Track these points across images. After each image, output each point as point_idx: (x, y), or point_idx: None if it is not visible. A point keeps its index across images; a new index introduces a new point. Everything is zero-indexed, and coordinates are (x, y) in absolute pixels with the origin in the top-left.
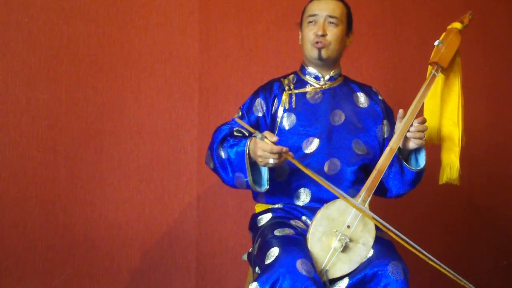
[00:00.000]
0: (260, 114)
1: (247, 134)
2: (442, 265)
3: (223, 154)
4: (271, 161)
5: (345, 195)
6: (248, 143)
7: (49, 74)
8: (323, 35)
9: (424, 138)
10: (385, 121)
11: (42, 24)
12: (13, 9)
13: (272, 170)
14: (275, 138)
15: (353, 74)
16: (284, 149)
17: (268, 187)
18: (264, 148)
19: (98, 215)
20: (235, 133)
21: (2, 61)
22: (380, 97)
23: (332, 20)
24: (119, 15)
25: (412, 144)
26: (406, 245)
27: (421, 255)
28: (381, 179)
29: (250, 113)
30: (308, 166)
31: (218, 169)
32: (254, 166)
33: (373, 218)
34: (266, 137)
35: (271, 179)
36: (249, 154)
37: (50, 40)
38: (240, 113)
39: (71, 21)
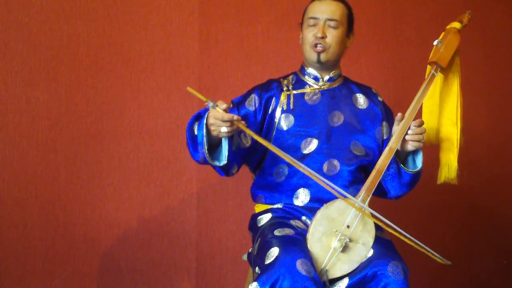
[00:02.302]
0: (251, 109)
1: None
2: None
3: (195, 130)
4: (224, 129)
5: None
6: (207, 115)
7: (49, 74)
8: (323, 37)
9: (422, 141)
10: (384, 123)
11: (42, 24)
12: (13, 9)
13: (271, 170)
14: (225, 106)
15: (353, 74)
16: (235, 117)
17: (226, 162)
18: (215, 116)
19: (98, 215)
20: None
21: (2, 61)
22: (379, 99)
23: (331, 23)
24: (119, 15)
25: (410, 147)
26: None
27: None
28: (380, 180)
29: (241, 107)
30: (307, 166)
31: (189, 144)
32: (220, 143)
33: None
34: (217, 106)
35: (270, 179)
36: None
37: (50, 40)
38: (231, 105)
39: (71, 21)
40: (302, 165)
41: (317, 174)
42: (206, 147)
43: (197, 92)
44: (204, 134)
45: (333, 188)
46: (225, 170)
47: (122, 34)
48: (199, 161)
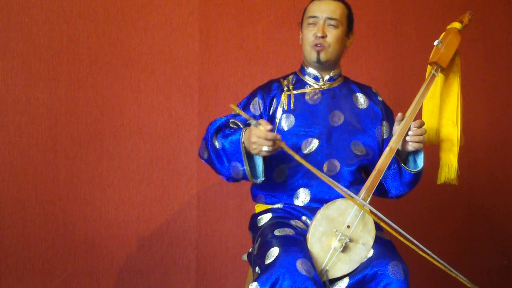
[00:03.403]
0: (256, 113)
1: (242, 126)
2: (444, 263)
3: (217, 144)
4: (265, 148)
5: (343, 188)
6: (243, 132)
7: (49, 74)
8: (323, 37)
9: (423, 141)
10: (384, 122)
11: (42, 24)
12: (13, 9)
13: (271, 170)
14: (269, 126)
15: (353, 74)
16: (278, 136)
17: (263, 178)
18: (258, 134)
19: (98, 215)
20: (230, 125)
21: (2, 61)
22: (379, 98)
23: (331, 22)
24: (119, 15)
25: (410, 147)
26: (407, 242)
27: (421, 253)
28: (381, 179)
29: (247, 111)
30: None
31: (213, 159)
32: (249, 157)
33: (372, 214)
34: (260, 124)
35: (270, 179)
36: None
37: (50, 40)
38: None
39: (71, 21)
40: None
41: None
42: (247, 167)
43: (197, 91)
44: (244, 153)
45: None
46: (235, 179)
47: (122, 34)
48: (231, 176)
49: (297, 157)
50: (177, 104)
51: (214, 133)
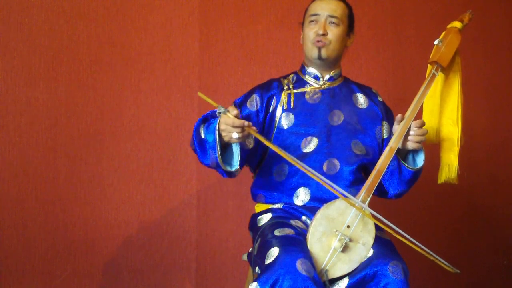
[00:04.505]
0: (253, 109)
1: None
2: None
3: (202, 134)
4: (235, 135)
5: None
6: (219, 120)
7: (49, 74)
8: (324, 34)
9: (423, 141)
10: (384, 122)
11: (42, 24)
12: (13, 9)
13: (271, 169)
14: (235, 112)
15: (353, 74)
16: (247, 123)
17: (238, 167)
18: (226, 122)
19: (98, 215)
20: (217, 115)
21: (2, 61)
22: (379, 99)
23: (333, 20)
24: (119, 15)
25: (410, 146)
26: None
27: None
28: (380, 179)
29: (243, 107)
30: (307, 165)
31: (196, 148)
32: (229, 147)
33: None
34: (228, 111)
35: (270, 178)
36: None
37: (50, 40)
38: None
39: (71, 21)
40: (310, 169)
41: (322, 176)
42: (219, 153)
43: (197, 91)
44: (217, 140)
45: (335, 188)
46: (229, 172)
47: (122, 34)
48: (209, 165)
49: (271, 145)
50: (177, 104)
51: (201, 123)
